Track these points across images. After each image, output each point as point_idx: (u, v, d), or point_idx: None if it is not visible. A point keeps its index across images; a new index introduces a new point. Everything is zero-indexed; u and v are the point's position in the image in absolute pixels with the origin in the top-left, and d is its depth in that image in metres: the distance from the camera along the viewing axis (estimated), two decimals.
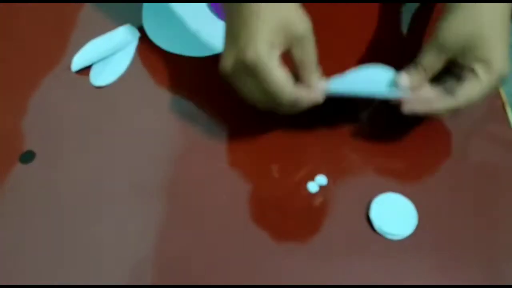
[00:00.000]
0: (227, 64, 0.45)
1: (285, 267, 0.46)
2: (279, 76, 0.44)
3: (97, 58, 0.61)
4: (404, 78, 0.47)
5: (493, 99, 0.54)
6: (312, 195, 0.49)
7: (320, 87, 0.47)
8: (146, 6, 0.65)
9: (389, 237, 0.46)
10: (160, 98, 0.58)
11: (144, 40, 0.63)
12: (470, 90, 0.45)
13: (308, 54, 0.45)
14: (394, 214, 0.47)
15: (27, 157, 0.54)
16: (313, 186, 0.50)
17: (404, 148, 0.52)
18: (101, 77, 0.60)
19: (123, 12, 0.65)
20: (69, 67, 0.61)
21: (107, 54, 0.61)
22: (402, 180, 0.50)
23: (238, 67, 0.44)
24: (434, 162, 0.51)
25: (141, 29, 0.63)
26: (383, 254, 0.46)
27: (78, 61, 0.61)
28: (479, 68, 0.44)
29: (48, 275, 0.47)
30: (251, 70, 0.44)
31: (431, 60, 0.46)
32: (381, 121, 0.54)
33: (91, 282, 0.46)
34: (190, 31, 0.62)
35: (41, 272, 0.47)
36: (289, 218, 0.49)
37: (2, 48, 0.64)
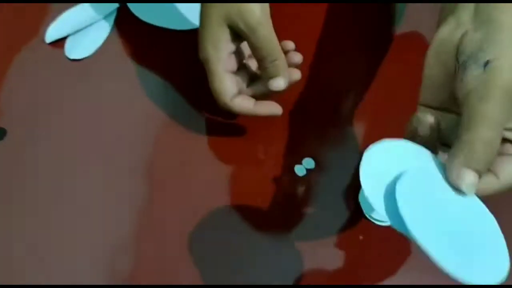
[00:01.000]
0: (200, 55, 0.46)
1: (272, 252, 0.45)
2: (219, 81, 0.45)
3: (73, 30, 0.57)
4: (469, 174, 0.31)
5: None
6: (299, 179, 0.48)
7: (274, 82, 0.45)
8: None
9: (379, 223, 0.45)
10: (138, 72, 0.55)
11: (123, 12, 0.59)
12: None
13: (260, 45, 0.44)
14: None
15: None
16: (300, 170, 0.48)
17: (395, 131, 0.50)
18: (77, 49, 0.57)
19: None
20: (43, 40, 0.57)
21: (84, 26, 0.58)
22: None
23: (202, 61, 0.46)
24: None
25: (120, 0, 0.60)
26: (373, 240, 0.45)
27: (52, 32, 0.57)
28: None
29: (19, 254, 0.45)
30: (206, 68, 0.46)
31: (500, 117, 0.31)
32: (371, 103, 0.52)
33: (65, 263, 0.44)
34: (171, 3, 0.59)
35: (12, 251, 0.45)
36: (275, 202, 0.47)
37: None
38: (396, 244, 0.45)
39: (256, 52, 0.44)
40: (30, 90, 0.54)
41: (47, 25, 0.57)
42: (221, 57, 0.45)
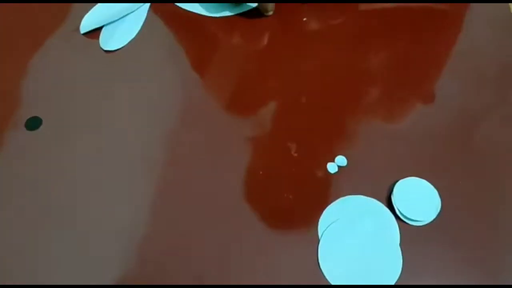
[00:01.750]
0: None
1: (300, 248, 0.44)
2: None
3: (108, 20, 0.58)
4: None
5: None
6: (331, 176, 0.47)
7: None
8: None
9: (411, 222, 0.45)
10: (174, 63, 0.55)
11: (156, 2, 0.59)
12: None
13: None
14: (417, 199, 0.45)
15: (34, 123, 0.52)
16: (332, 167, 0.48)
17: (429, 131, 0.50)
18: (111, 40, 0.57)
19: None
20: (78, 29, 0.57)
21: (118, 17, 0.58)
22: (426, 165, 0.48)
23: None
24: (460, 148, 0.49)
25: None
26: (404, 240, 0.44)
27: (87, 23, 0.58)
28: None
29: (52, 245, 0.45)
30: None
31: None
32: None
33: (89, 252, 0.45)
34: None
35: (48, 242, 0.46)
36: (307, 198, 0.47)
37: (7, 8, 0.61)
38: (431, 247, 0.44)
39: None
40: (66, 81, 0.55)
41: (82, 15, 0.58)
42: None
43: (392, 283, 0.42)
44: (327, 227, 0.45)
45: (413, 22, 0.57)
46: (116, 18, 0.58)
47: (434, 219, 0.45)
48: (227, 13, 0.57)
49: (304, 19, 0.56)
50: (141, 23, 0.58)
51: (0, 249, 0.45)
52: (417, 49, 0.55)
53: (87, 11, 0.58)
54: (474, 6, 0.59)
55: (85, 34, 0.58)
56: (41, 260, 0.44)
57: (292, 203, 0.46)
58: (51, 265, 0.44)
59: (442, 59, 0.55)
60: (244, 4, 0.57)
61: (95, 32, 0.58)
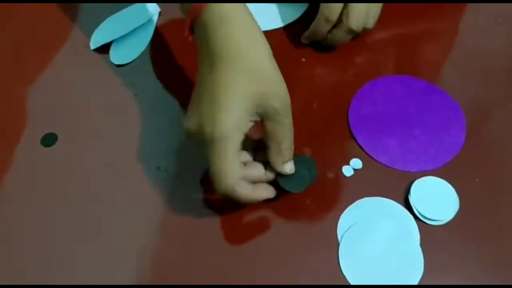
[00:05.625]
0: (190, 126, 0.41)
1: (321, 252, 0.44)
2: (229, 161, 0.40)
3: (117, 35, 0.58)
4: None
5: None
6: (347, 179, 0.48)
7: (286, 167, 0.43)
8: None
9: (430, 222, 0.45)
10: (184, 74, 0.55)
11: (164, 15, 0.60)
12: None
13: (284, 127, 0.41)
14: (435, 198, 0.45)
15: (49, 140, 0.52)
16: (348, 170, 0.48)
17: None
18: (121, 55, 0.58)
19: None
20: (88, 45, 0.58)
21: (127, 31, 0.59)
22: (443, 164, 0.48)
23: (198, 135, 0.41)
24: (476, 146, 0.49)
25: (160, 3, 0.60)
26: (424, 239, 0.44)
27: (97, 39, 0.58)
28: None
29: (68, 255, 0.46)
30: (208, 143, 0.40)
31: None
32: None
33: (105, 259, 0.45)
34: None
35: (63, 254, 0.46)
36: (324, 203, 0.47)
37: (19, 24, 0.62)
38: (450, 246, 0.44)
39: (277, 134, 0.41)
40: (79, 96, 0.55)
41: (92, 31, 0.59)
42: (239, 135, 0.40)
43: (415, 283, 0.42)
44: (346, 230, 0.45)
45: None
46: (125, 32, 0.58)
47: (453, 218, 0.45)
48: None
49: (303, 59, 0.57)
50: (150, 36, 0.59)
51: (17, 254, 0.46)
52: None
53: (95, 26, 0.59)
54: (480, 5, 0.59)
55: (96, 49, 0.58)
56: (62, 271, 0.45)
57: (310, 208, 0.47)
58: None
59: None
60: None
61: (105, 47, 0.58)
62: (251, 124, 0.40)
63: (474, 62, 0.55)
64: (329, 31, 0.53)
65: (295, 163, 0.44)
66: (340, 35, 0.53)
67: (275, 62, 0.41)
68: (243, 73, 0.39)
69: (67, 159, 0.51)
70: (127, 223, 0.47)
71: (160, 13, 0.60)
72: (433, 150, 0.49)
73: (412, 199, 0.45)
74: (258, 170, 0.43)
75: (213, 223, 0.46)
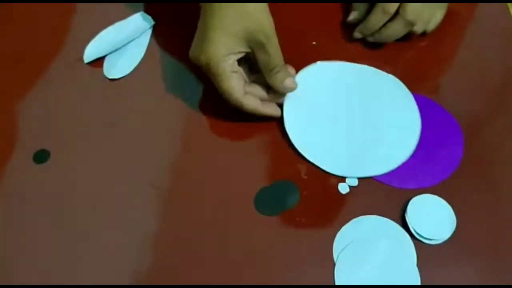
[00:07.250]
0: (191, 56, 0.49)
1: (316, 271, 0.44)
2: (228, 79, 0.47)
3: (110, 49, 0.58)
4: None
5: None
6: (342, 197, 0.47)
7: (286, 84, 0.49)
8: None
9: (427, 241, 0.44)
10: (178, 88, 0.55)
11: (158, 28, 0.59)
12: None
13: (271, 56, 0.47)
14: (432, 217, 0.45)
15: (41, 156, 0.51)
16: (343, 187, 0.47)
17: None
18: (115, 69, 0.57)
19: None
20: (81, 59, 0.57)
21: (121, 45, 0.58)
22: (439, 182, 0.47)
23: (199, 63, 0.49)
24: (473, 162, 0.49)
25: (154, 16, 0.60)
26: (421, 259, 0.44)
27: (90, 52, 0.58)
28: None
29: (60, 273, 0.45)
30: (207, 70, 0.49)
31: None
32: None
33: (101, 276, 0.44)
34: None
35: (50, 270, 0.45)
36: (319, 221, 0.46)
37: (10, 37, 0.61)
38: (447, 266, 0.44)
39: (267, 62, 0.48)
40: (72, 111, 0.54)
41: (85, 45, 0.58)
42: (230, 60, 0.47)
43: None
44: (342, 250, 0.44)
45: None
46: (119, 46, 0.58)
47: (450, 237, 0.44)
48: None
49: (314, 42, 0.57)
50: (144, 50, 0.58)
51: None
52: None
53: (88, 39, 0.58)
54: (477, 16, 0.59)
55: (89, 63, 0.58)
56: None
57: (305, 226, 0.46)
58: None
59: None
60: None
61: (98, 61, 0.58)
62: (242, 54, 0.48)
63: (472, 76, 0.54)
64: (384, 25, 0.54)
65: (274, 189, 0.46)
66: (395, 27, 0.54)
67: (262, 3, 0.47)
68: (231, 12, 0.46)
69: (60, 176, 0.50)
70: (120, 239, 0.46)
71: (153, 26, 0.59)
72: (429, 167, 0.48)
73: (409, 218, 0.45)
74: (261, 88, 0.50)
75: (206, 241, 0.46)
